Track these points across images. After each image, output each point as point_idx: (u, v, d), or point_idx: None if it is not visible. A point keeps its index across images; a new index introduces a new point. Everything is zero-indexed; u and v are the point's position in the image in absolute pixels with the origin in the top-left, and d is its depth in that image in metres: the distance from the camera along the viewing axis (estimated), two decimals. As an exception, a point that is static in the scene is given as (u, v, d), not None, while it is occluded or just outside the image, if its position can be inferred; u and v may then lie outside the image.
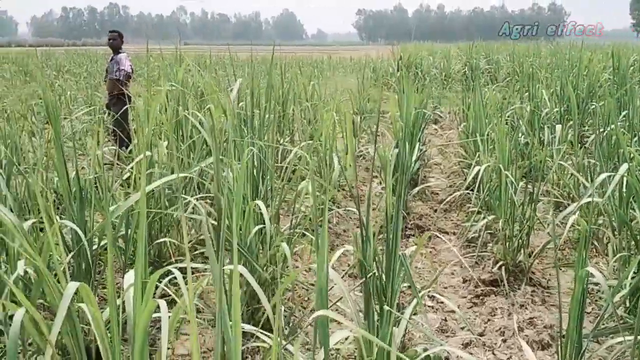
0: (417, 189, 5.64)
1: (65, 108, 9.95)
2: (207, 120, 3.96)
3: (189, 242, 3.88)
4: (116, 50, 6.82)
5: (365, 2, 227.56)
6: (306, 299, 3.66)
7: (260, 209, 2.92)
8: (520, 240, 3.93)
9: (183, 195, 3.49)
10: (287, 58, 15.97)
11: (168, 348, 2.56)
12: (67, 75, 17.76)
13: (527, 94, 7.92)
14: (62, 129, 8.15)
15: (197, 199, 3.60)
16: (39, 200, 2.11)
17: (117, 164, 4.06)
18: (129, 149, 4.53)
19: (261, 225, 3.07)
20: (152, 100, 3.54)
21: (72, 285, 1.60)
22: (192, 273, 3.81)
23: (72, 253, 2.63)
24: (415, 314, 3.07)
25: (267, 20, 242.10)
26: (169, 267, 1.98)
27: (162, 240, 3.61)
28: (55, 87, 13.65)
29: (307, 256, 4.06)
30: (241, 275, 2.95)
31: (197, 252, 3.98)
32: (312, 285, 3.89)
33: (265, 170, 3.37)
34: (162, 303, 1.67)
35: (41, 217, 3.15)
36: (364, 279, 2.20)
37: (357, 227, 4.92)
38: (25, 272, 2.30)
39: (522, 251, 3.95)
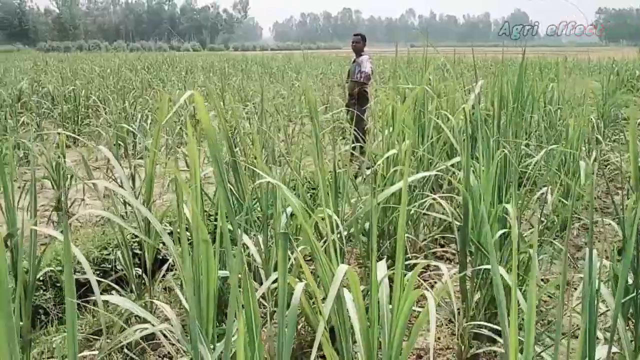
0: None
1: (305, 106, 10.76)
2: (449, 121, 3.99)
3: (422, 241, 3.95)
4: (359, 52, 7.16)
5: (607, 0, 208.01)
6: (543, 309, 3.51)
7: (507, 212, 2.86)
8: None
9: (427, 193, 3.58)
10: (518, 59, 15.32)
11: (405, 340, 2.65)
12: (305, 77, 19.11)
13: None
14: (304, 126, 8.83)
15: (434, 199, 3.66)
16: (300, 188, 2.33)
17: (362, 161, 4.28)
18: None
19: (504, 230, 3.01)
20: (400, 101, 3.67)
21: (343, 268, 1.75)
22: (425, 271, 3.89)
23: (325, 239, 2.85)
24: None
25: (496, 20, 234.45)
26: (430, 262, 2.04)
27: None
28: (295, 87, 14.81)
29: (545, 265, 3.88)
30: (481, 277, 2.94)
31: (429, 250, 4.03)
32: (550, 297, 3.71)
33: (510, 173, 3.29)
34: (429, 294, 1.74)
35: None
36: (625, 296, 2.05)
37: (599, 240, 4.57)
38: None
39: None
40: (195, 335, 1.61)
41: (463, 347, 2.80)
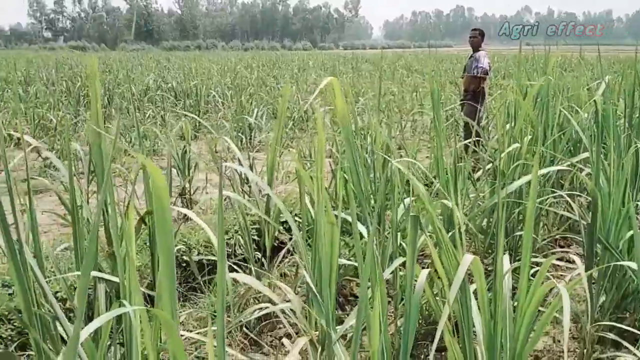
0: None
1: (418, 102, 10.69)
2: (574, 116, 3.83)
3: (542, 240, 3.81)
4: (476, 48, 6.98)
5: None
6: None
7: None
8: None
9: (550, 189, 3.45)
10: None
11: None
12: (416, 74, 18.97)
13: None
14: (415, 122, 8.73)
15: (560, 196, 3.52)
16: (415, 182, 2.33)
17: (479, 156, 4.19)
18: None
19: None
20: (524, 97, 3.57)
21: (468, 258, 1.73)
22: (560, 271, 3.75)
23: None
24: None
25: (619, 18, 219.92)
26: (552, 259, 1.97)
27: (518, 234, 3.62)
28: (407, 83, 14.74)
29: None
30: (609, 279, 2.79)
31: (549, 251, 3.88)
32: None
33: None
34: (562, 287, 1.69)
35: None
36: None
37: None
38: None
39: None
40: (327, 314, 1.67)
41: (586, 350, 2.68)
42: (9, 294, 3.12)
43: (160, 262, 1.08)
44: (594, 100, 2.90)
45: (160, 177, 0.99)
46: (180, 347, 1.06)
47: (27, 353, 2.64)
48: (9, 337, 2.79)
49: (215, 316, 3.33)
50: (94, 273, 1.98)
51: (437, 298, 2.39)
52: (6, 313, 2.98)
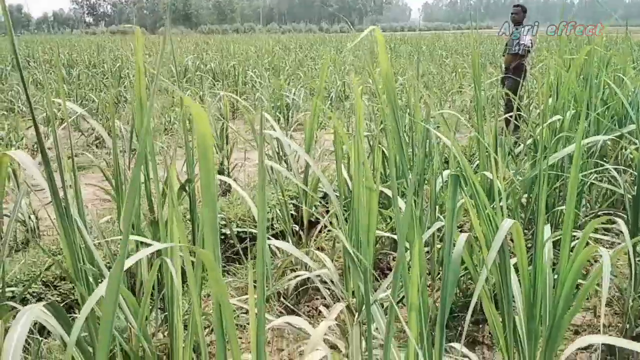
0: None
1: (457, 82, 10.54)
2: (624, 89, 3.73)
3: (584, 217, 3.74)
4: (518, 24, 6.83)
5: None
6: None
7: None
8: None
9: (596, 161, 3.38)
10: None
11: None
12: (456, 55, 18.68)
13: None
14: (454, 103, 8.62)
15: (606, 169, 3.45)
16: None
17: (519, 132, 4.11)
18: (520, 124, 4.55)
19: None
20: (567, 70, 3.48)
21: (508, 222, 1.71)
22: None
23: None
24: None
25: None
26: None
27: (558, 209, 3.55)
28: (446, 64, 14.54)
29: None
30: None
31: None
32: None
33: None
34: (604, 251, 1.66)
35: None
36: None
37: None
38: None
39: None
40: (366, 274, 1.68)
41: (628, 325, 2.63)
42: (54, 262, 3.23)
43: (203, 205, 1.09)
44: (641, 70, 2.81)
45: (205, 121, 1.00)
46: (223, 288, 1.08)
47: (71, 316, 2.73)
48: (55, 302, 2.89)
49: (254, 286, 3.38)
50: (137, 237, 2.03)
51: (477, 269, 2.37)
52: (52, 280, 3.09)
